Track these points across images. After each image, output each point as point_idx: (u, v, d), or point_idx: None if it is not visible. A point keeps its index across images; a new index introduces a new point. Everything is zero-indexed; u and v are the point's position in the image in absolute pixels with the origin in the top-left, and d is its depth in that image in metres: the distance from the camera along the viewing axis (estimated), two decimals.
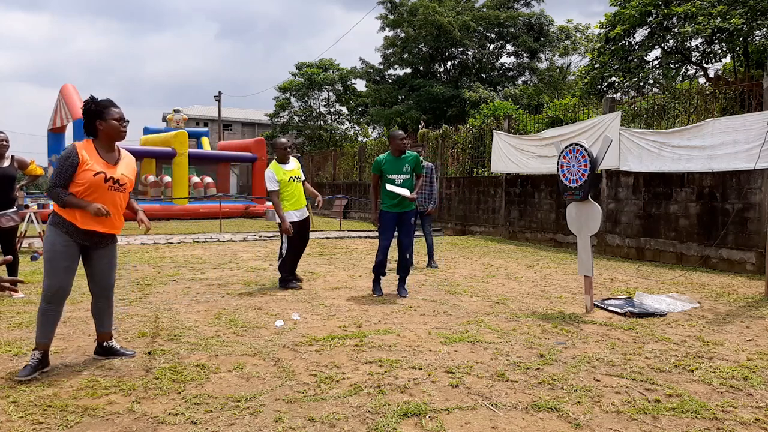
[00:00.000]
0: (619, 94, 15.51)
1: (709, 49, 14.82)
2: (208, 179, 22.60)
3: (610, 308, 5.32)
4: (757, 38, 13.89)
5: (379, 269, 6.08)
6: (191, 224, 16.37)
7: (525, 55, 29.43)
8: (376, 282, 6.13)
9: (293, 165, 6.38)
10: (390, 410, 2.90)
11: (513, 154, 12.10)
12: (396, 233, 6.04)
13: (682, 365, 3.68)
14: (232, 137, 45.99)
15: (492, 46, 29.80)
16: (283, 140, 6.45)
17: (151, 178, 21.36)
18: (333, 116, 35.26)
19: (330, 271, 7.44)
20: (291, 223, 6.14)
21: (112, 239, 3.75)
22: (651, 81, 15.51)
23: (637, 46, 15.25)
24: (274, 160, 6.38)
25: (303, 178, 6.48)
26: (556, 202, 11.29)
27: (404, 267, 6.07)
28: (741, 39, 13.47)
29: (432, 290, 6.40)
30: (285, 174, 6.24)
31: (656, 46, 15.13)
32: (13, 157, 5.78)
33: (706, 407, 2.97)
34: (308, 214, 6.48)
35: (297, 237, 6.27)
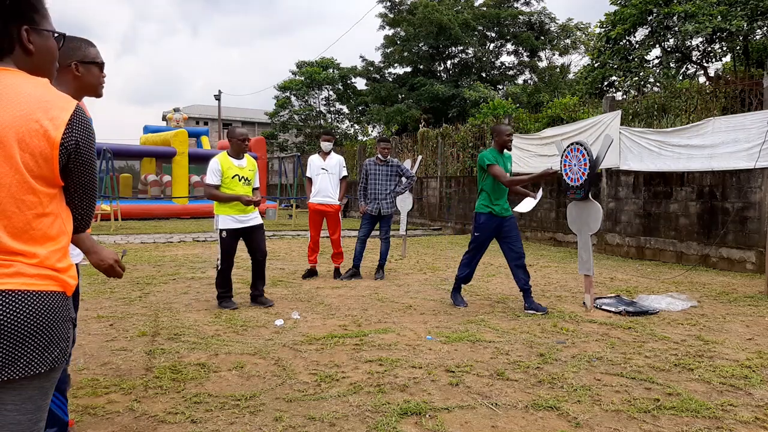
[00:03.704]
0: (619, 93, 15.51)
1: (710, 48, 14.83)
2: None
3: (603, 307, 5.32)
4: (757, 37, 13.89)
5: (466, 281, 5.55)
6: (191, 223, 16.37)
7: (525, 53, 29.41)
8: (458, 290, 5.61)
9: (245, 163, 5.38)
10: (390, 409, 2.90)
11: (513, 153, 12.06)
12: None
13: (682, 364, 3.68)
14: None
15: (492, 44, 29.78)
16: (242, 130, 5.46)
17: (151, 177, 21.36)
18: (333, 115, 35.25)
19: (330, 270, 7.43)
20: (227, 230, 5.24)
21: None
22: (651, 80, 15.51)
23: (637, 45, 15.25)
24: (225, 152, 5.44)
25: (256, 185, 5.49)
26: (556, 201, 11.29)
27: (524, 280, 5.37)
28: (741, 38, 13.47)
29: (432, 290, 6.40)
30: (233, 169, 5.27)
31: (656, 45, 15.13)
32: None
33: (706, 406, 2.97)
34: (258, 222, 5.41)
35: (229, 247, 5.31)
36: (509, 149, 5.48)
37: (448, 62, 29.54)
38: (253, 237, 5.40)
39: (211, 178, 5.24)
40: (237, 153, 5.36)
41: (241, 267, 7.82)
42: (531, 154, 11.67)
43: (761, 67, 13.39)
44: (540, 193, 5.49)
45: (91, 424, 2.73)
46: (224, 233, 5.25)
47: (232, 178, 5.25)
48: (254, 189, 5.47)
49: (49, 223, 1.41)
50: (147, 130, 23.64)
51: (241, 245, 5.54)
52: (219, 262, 5.30)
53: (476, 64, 28.77)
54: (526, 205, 5.47)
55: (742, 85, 9.11)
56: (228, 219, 5.26)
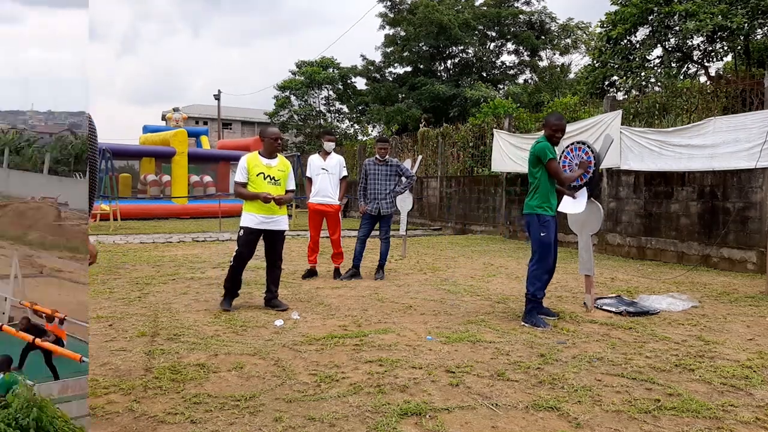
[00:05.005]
0: (620, 93, 15.51)
1: (711, 48, 14.82)
2: (208, 178, 22.60)
3: (604, 308, 5.31)
4: (758, 37, 13.89)
5: (542, 293, 4.90)
6: (191, 223, 16.37)
7: (525, 53, 29.40)
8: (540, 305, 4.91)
9: (275, 163, 5.25)
10: (390, 409, 2.90)
11: (514, 153, 12.08)
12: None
13: (683, 365, 3.67)
14: (232, 136, 46.02)
15: (492, 44, 29.77)
16: (274, 130, 5.32)
17: (151, 177, 21.35)
18: (333, 115, 35.21)
19: (330, 270, 7.42)
20: (244, 228, 5.11)
21: None
22: (652, 80, 15.50)
23: (638, 45, 15.25)
24: (256, 151, 5.35)
25: (290, 187, 5.38)
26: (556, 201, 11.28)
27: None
28: (742, 38, 13.46)
29: (432, 290, 6.39)
30: (259, 167, 5.16)
31: (657, 45, 15.13)
32: None
33: (707, 407, 2.96)
34: (282, 227, 5.31)
35: (242, 245, 5.13)
36: (556, 144, 4.89)
37: (449, 62, 29.52)
38: (272, 241, 5.31)
39: (238, 175, 5.23)
40: (269, 152, 5.27)
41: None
42: None
43: (762, 66, 13.38)
44: (584, 192, 5.16)
45: (91, 424, 2.72)
46: (241, 231, 5.17)
47: (257, 176, 5.16)
48: (288, 190, 5.35)
49: None
50: (146, 129, 23.64)
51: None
52: (232, 258, 5.23)
53: (477, 63, 28.76)
54: (574, 205, 5.13)
55: (743, 85, 9.10)
56: (249, 217, 5.15)
